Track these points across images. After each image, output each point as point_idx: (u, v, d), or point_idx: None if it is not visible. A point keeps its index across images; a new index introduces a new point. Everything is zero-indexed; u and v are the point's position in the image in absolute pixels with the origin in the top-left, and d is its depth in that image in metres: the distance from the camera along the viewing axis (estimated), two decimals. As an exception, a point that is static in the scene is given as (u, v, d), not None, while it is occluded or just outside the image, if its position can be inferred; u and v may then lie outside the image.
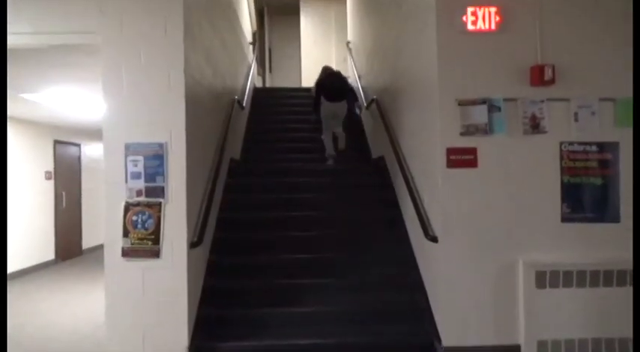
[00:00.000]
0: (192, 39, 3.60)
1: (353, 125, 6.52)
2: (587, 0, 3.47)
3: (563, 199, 3.41)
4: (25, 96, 5.75)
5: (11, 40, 3.38)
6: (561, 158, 3.42)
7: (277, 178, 5.43)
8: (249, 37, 8.75)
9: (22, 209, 7.77)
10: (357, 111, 6.12)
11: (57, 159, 8.84)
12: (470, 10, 3.40)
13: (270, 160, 6.05)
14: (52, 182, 8.66)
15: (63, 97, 5.89)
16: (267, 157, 6.14)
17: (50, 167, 8.65)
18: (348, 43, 9.53)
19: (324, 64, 7.10)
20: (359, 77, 7.75)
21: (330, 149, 5.97)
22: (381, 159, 5.56)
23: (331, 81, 6.09)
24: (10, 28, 3.32)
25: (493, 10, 3.41)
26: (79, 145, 9.71)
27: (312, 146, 6.35)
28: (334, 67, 7.25)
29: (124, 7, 3.33)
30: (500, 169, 3.40)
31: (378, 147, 5.92)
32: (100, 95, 3.37)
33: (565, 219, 3.40)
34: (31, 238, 7.95)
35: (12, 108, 6.69)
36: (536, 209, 3.40)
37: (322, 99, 5.96)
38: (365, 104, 6.47)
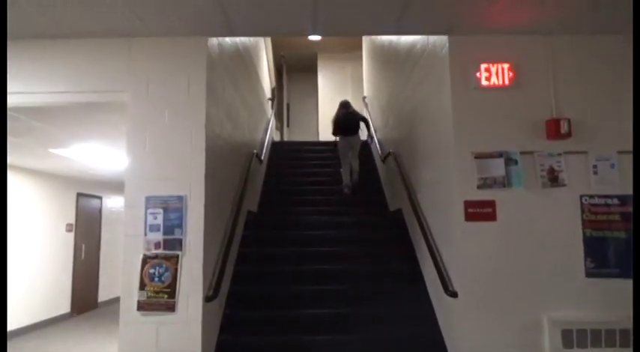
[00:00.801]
0: (214, 96, 3.74)
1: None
2: (600, 54, 3.54)
3: (587, 253, 3.32)
4: (54, 151, 5.97)
5: (44, 98, 3.55)
6: (582, 211, 3.37)
7: (294, 231, 5.42)
8: (268, 93, 9.04)
9: (41, 261, 7.83)
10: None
11: (79, 211, 9.01)
12: (483, 66, 3.49)
13: (286, 212, 6.06)
14: (72, 234, 8.78)
15: (89, 152, 6.09)
16: (284, 210, 6.16)
17: (72, 219, 8.80)
18: (364, 97, 9.77)
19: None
20: (375, 131, 7.87)
21: (346, 180, 6.61)
22: (399, 211, 5.53)
23: (346, 119, 6.97)
24: (45, 87, 3.51)
25: (506, 66, 3.50)
26: (100, 198, 9.91)
27: (328, 198, 6.40)
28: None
29: (151, 66, 3.52)
30: (519, 222, 3.35)
31: (395, 199, 5.92)
32: (124, 150, 3.49)
33: (590, 274, 3.30)
34: (47, 291, 7.96)
35: (41, 163, 6.93)
36: (559, 263, 3.31)
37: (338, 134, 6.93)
38: (381, 154, 6.73)
